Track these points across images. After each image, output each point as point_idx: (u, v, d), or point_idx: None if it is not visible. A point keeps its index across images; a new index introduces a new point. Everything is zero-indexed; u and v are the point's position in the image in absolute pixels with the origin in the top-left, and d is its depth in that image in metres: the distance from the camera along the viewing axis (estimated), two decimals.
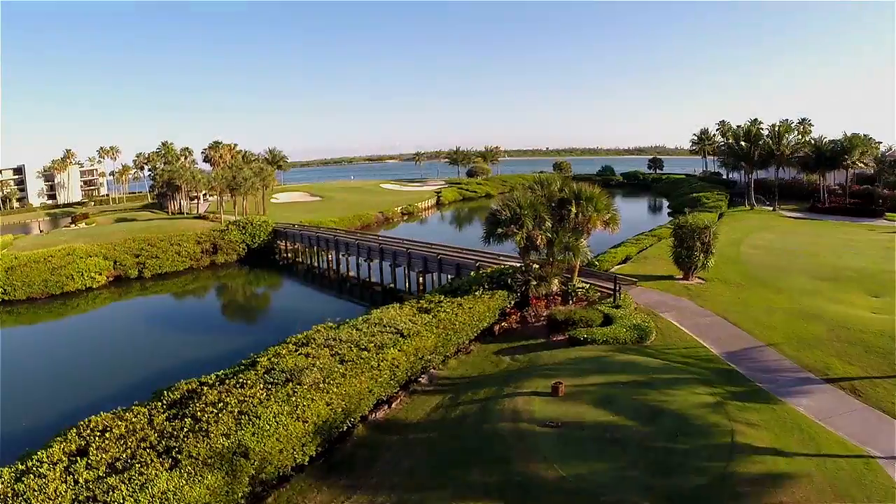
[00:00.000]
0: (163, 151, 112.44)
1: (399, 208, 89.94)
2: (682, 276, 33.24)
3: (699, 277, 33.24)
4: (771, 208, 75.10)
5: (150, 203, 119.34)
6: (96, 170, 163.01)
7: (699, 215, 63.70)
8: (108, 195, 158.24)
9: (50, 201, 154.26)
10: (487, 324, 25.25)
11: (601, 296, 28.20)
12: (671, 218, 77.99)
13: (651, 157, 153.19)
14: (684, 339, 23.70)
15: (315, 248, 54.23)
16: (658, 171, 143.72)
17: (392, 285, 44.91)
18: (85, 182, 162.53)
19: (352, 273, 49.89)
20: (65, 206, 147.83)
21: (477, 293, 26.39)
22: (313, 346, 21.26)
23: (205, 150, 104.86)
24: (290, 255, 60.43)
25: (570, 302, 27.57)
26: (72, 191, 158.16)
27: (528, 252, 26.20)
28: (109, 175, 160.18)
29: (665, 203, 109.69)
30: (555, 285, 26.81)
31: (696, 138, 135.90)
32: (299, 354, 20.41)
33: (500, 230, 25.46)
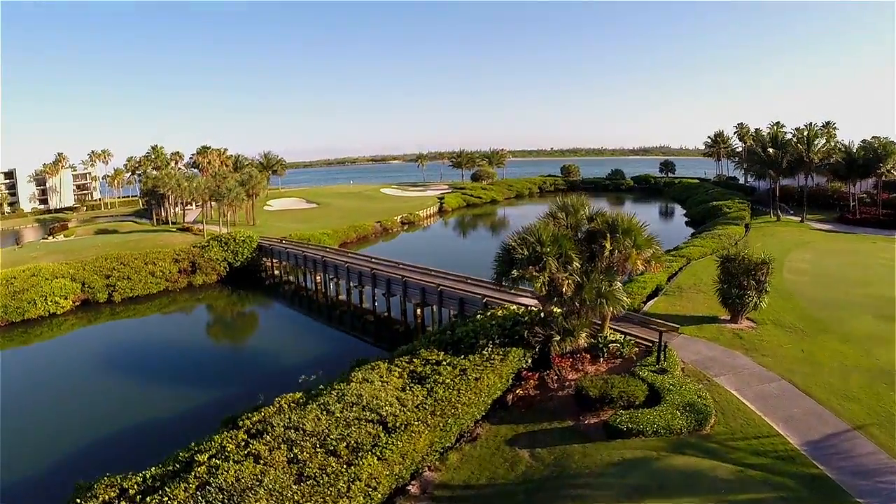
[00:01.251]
0: (152, 156, 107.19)
1: (399, 217, 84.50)
2: (729, 318, 27.86)
3: (749, 319, 27.88)
4: (798, 219, 69.70)
5: (142, 209, 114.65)
6: (89, 174, 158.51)
7: (728, 228, 58.98)
8: (100, 200, 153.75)
9: (42, 206, 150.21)
10: (499, 395, 19.96)
11: (639, 351, 22.85)
12: (693, 231, 72.81)
13: (662, 160, 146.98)
14: (751, 422, 18.35)
15: (303, 268, 49.02)
16: (670, 174, 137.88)
17: (386, 314, 39.67)
18: (78, 186, 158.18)
19: (342, 297, 44.71)
20: (56, 211, 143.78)
21: (485, 350, 21.12)
22: (269, 438, 16.08)
23: (193, 155, 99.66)
24: (277, 272, 55.25)
25: (601, 359, 22.24)
26: (64, 195, 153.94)
27: (551, 299, 20.87)
28: (103, 179, 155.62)
29: (680, 209, 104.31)
30: (582, 339, 21.49)
31: (710, 141, 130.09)
32: (248, 455, 15.23)
33: (515, 272, 20.13)
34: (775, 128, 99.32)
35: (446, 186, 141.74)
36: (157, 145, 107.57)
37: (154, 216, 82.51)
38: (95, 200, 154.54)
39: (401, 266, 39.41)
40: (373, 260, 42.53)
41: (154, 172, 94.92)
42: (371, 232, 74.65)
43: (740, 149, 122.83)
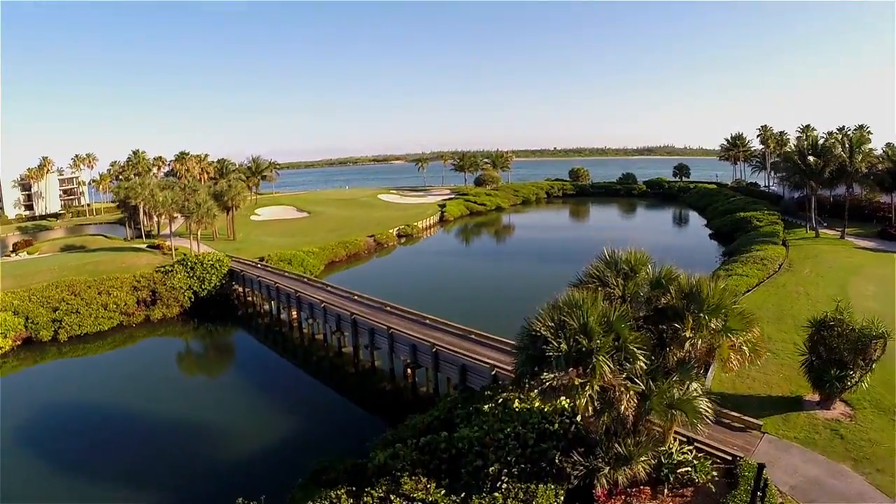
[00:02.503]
0: (133, 161, 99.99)
1: (395, 230, 77.24)
2: (817, 400, 20.90)
3: (842, 400, 20.91)
4: (837, 234, 62.74)
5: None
6: (76, 178, 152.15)
7: (767, 249, 51.66)
8: (88, 205, 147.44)
9: (27, 212, 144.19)
10: None
11: (718, 474, 15.87)
12: (722, 246, 65.62)
13: (675, 162, 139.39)
14: None
15: (276, 300, 41.96)
16: (684, 178, 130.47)
17: (370, 364, 32.52)
18: (64, 191, 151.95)
19: (320, 336, 37.73)
20: (41, 217, 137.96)
21: (497, 490, 14.22)
22: None
23: (170, 161, 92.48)
24: (251, 299, 47.83)
25: (664, 489, 15.27)
26: (50, 201, 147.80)
27: (600, 416, 13.85)
28: (91, 183, 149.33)
29: (696, 217, 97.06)
30: (640, 468, 14.49)
31: (727, 143, 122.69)
32: None
33: (547, 376, 13.08)
34: (808, 131, 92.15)
35: (448, 191, 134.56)
36: (138, 150, 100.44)
37: (128, 229, 75.76)
38: (83, 206, 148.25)
39: (387, 308, 32.32)
40: (355, 297, 35.47)
41: (135, 179, 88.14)
42: (363, 248, 67.32)
43: (759, 150, 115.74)
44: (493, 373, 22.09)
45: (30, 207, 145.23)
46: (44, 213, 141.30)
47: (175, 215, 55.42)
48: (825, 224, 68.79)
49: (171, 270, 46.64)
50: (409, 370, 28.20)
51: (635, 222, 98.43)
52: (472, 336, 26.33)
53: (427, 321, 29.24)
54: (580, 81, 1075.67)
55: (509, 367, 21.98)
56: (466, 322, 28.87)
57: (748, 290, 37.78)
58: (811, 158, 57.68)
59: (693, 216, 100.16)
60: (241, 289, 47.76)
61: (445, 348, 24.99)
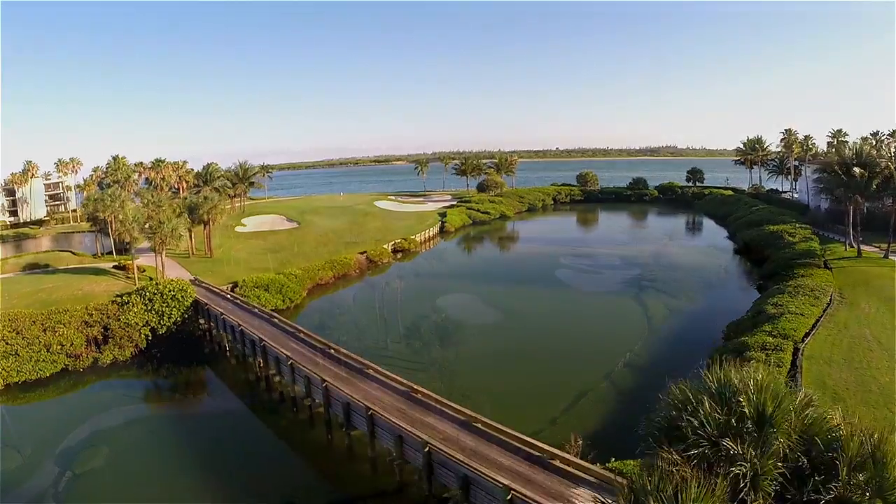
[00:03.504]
0: (113, 167, 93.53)
1: (389, 245, 70.78)
2: None
3: None
4: (880, 252, 56.74)
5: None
6: (62, 183, 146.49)
7: (815, 275, 45.08)
8: (75, 211, 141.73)
9: (11, 218, 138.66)
10: None
11: None
12: (755, 269, 58.88)
13: (687, 166, 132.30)
14: None
15: (241, 344, 35.46)
16: (698, 183, 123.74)
17: (354, 432, 26.21)
18: (50, 196, 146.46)
19: (290, 390, 31.20)
20: (23, 224, 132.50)
21: None
22: None
23: (146, 168, 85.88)
24: (217, 333, 40.86)
25: None
26: (35, 206, 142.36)
27: None
28: (77, 188, 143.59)
29: (717, 228, 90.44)
30: None
31: (743, 147, 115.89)
32: None
33: None
34: (839, 137, 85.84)
35: (449, 196, 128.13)
36: (118, 155, 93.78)
37: (98, 244, 69.53)
38: (69, 212, 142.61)
39: (368, 371, 25.92)
40: (331, 350, 29.02)
41: (114, 186, 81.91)
42: (354, 267, 60.78)
43: (776, 153, 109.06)
44: (508, 497, 15.66)
45: (14, 213, 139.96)
46: (28, 220, 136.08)
47: (136, 235, 49.10)
48: (861, 239, 62.59)
49: (128, 302, 40.38)
50: (394, 465, 21.69)
51: (651, 234, 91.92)
52: (478, 426, 19.83)
53: (418, 396, 22.79)
54: (581, 81, 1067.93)
55: (529, 490, 15.68)
56: (465, 380, 22.33)
57: (807, 335, 31.33)
58: (857, 170, 51.22)
59: (711, 225, 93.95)
60: (206, 324, 41.33)
61: (441, 450, 18.41)
